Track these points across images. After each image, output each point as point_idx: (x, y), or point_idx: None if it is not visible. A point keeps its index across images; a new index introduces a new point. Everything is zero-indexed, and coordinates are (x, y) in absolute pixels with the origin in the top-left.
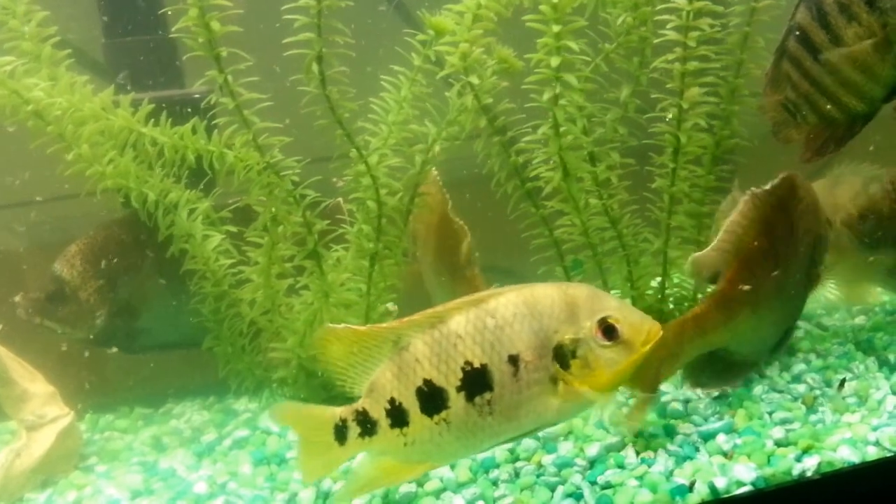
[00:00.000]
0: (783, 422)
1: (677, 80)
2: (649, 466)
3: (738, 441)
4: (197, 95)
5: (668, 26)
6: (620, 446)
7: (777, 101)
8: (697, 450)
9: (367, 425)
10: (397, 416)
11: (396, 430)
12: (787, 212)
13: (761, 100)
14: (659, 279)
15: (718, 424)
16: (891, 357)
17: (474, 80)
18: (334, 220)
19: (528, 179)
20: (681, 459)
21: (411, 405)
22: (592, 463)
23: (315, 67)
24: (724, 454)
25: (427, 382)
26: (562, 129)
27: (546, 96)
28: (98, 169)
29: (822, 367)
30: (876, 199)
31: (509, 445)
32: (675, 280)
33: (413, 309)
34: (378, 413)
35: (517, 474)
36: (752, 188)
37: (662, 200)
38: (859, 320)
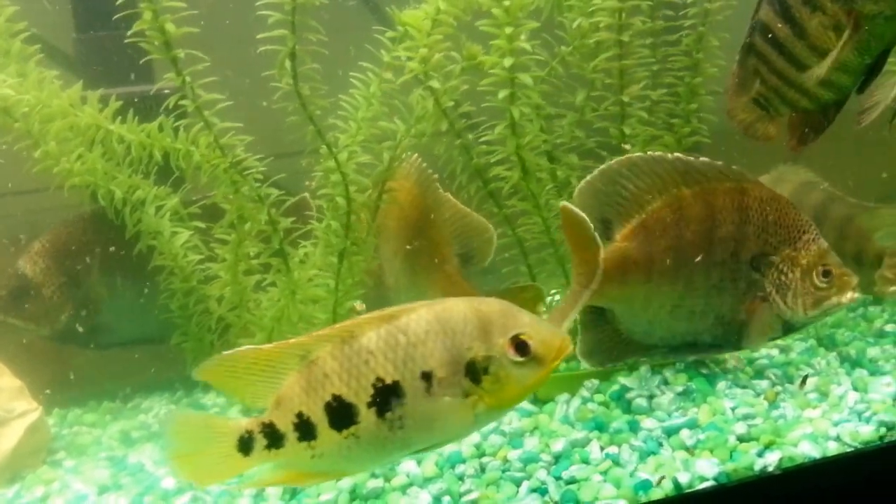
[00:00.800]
0: (745, 417)
1: (616, 77)
2: (614, 461)
3: (702, 436)
4: (167, 91)
5: (602, 25)
6: (585, 442)
7: (746, 101)
8: (661, 445)
9: (274, 438)
10: (305, 430)
11: (304, 444)
12: (708, 206)
13: (729, 103)
14: None
15: (682, 420)
16: (852, 352)
17: (434, 83)
18: (301, 217)
19: (489, 180)
20: (645, 454)
21: (319, 420)
22: (557, 458)
23: (288, 64)
24: (688, 449)
25: (336, 398)
26: (518, 129)
27: (501, 95)
28: (66, 166)
29: (784, 363)
30: None
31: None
32: None
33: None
34: (285, 426)
35: (483, 469)
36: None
37: None
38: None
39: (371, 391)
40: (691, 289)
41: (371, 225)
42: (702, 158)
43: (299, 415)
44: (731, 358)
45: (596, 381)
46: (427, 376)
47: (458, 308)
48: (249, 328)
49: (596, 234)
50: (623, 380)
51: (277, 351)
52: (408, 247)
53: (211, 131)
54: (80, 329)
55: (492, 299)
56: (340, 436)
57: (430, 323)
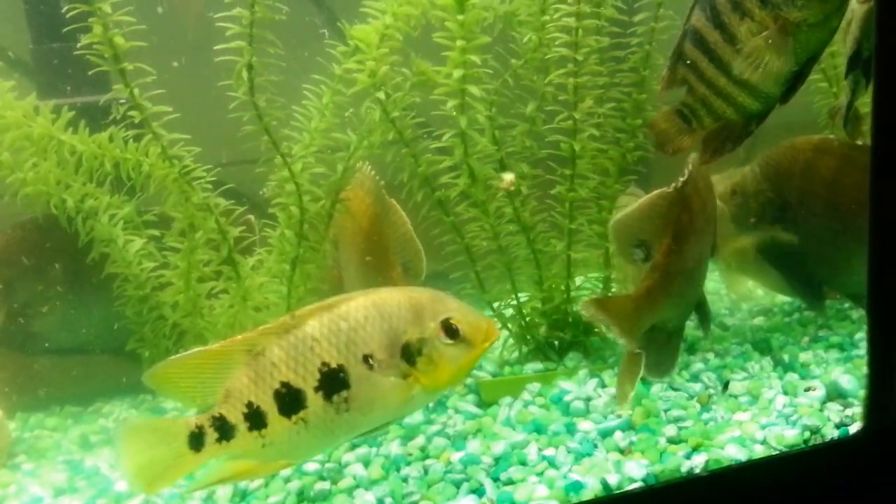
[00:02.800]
0: (677, 420)
1: (571, 94)
2: (550, 463)
3: (634, 438)
4: (122, 101)
5: (558, 42)
6: (524, 444)
7: (669, 111)
8: (596, 447)
9: (225, 430)
10: (255, 419)
11: (255, 433)
12: (698, 190)
13: (653, 114)
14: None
15: (616, 422)
16: (785, 357)
17: (381, 95)
18: (248, 230)
19: (437, 188)
20: (579, 456)
21: (269, 408)
22: (497, 460)
23: (245, 75)
24: (621, 451)
25: (285, 385)
26: (467, 137)
27: (450, 104)
28: (19, 176)
29: (719, 367)
30: (745, 177)
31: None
32: (578, 282)
33: None
34: (236, 417)
35: (426, 471)
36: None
37: (564, 206)
38: (758, 321)
39: (318, 376)
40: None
41: (325, 233)
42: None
43: (249, 405)
44: None
45: (538, 385)
46: (368, 359)
47: (393, 295)
48: (203, 334)
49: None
50: (563, 383)
51: (225, 349)
52: (359, 254)
53: (159, 142)
54: (15, 334)
55: (422, 288)
56: (290, 422)
57: (368, 309)
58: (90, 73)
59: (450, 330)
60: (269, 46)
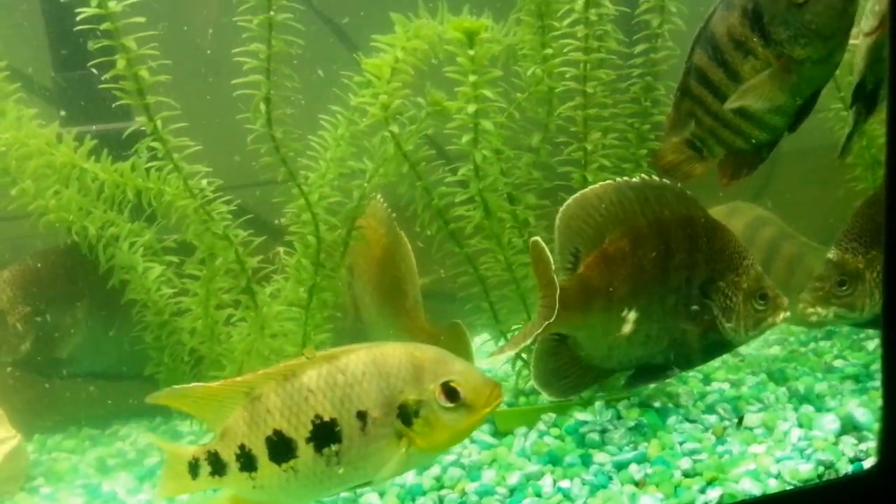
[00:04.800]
0: (692, 452)
1: (580, 126)
2: (564, 495)
3: (649, 471)
4: (143, 129)
5: (567, 76)
6: (539, 475)
7: (678, 142)
8: (611, 479)
9: (217, 466)
10: (247, 462)
11: (245, 474)
12: (662, 230)
13: (660, 144)
14: None
15: (632, 454)
16: (801, 388)
17: (394, 129)
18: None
19: (450, 220)
20: (595, 488)
21: (261, 452)
22: (512, 491)
23: (262, 107)
24: (636, 483)
25: (277, 433)
26: (480, 172)
27: (465, 139)
28: (41, 203)
29: (734, 397)
30: None
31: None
32: None
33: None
34: (228, 456)
35: (441, 501)
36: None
37: None
38: (774, 350)
39: (310, 427)
40: (648, 314)
41: (341, 261)
42: (659, 181)
43: (242, 447)
44: (683, 393)
45: (553, 415)
46: (362, 416)
47: (395, 352)
48: (220, 360)
49: (554, 274)
50: (578, 414)
51: (224, 388)
52: (373, 282)
53: (181, 174)
54: (41, 359)
55: (428, 346)
56: (280, 469)
57: (367, 365)
58: (114, 105)
59: (450, 393)
60: (286, 80)
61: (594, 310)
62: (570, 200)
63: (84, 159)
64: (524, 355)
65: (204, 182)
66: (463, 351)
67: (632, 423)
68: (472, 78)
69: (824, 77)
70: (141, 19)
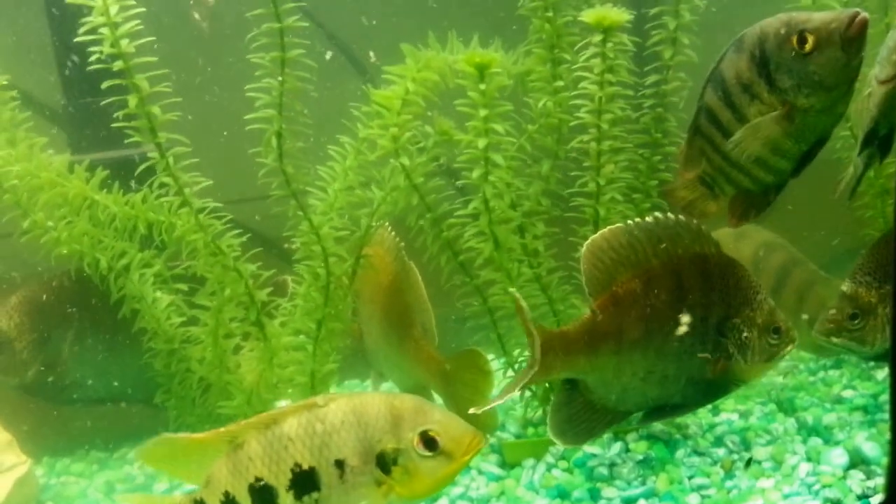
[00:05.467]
0: (700, 487)
1: (593, 159)
2: None
3: None
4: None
5: (583, 110)
6: None
7: (691, 178)
8: None
9: None
10: None
11: None
12: (675, 270)
13: (673, 181)
14: None
15: (640, 489)
16: (809, 419)
17: (405, 161)
18: (280, 292)
19: (460, 252)
20: None
21: (244, 499)
22: None
23: (274, 142)
24: None
25: (258, 480)
26: (491, 204)
27: (475, 174)
28: (53, 235)
29: (743, 429)
30: None
31: None
32: None
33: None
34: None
35: None
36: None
37: None
38: (783, 378)
39: (290, 475)
40: (663, 355)
41: (349, 289)
42: (673, 220)
43: (226, 494)
44: (692, 424)
45: (562, 447)
46: (341, 464)
47: (374, 402)
48: (229, 389)
49: (531, 325)
50: (587, 447)
51: (208, 438)
52: (380, 311)
53: (192, 209)
54: (47, 384)
55: (408, 395)
56: None
57: (347, 414)
58: (127, 142)
59: (428, 442)
60: (299, 115)
61: (603, 353)
62: (584, 247)
63: (95, 191)
64: (532, 386)
65: (212, 204)
66: (481, 379)
67: (640, 457)
68: (482, 112)
69: (828, 126)
70: (152, 59)
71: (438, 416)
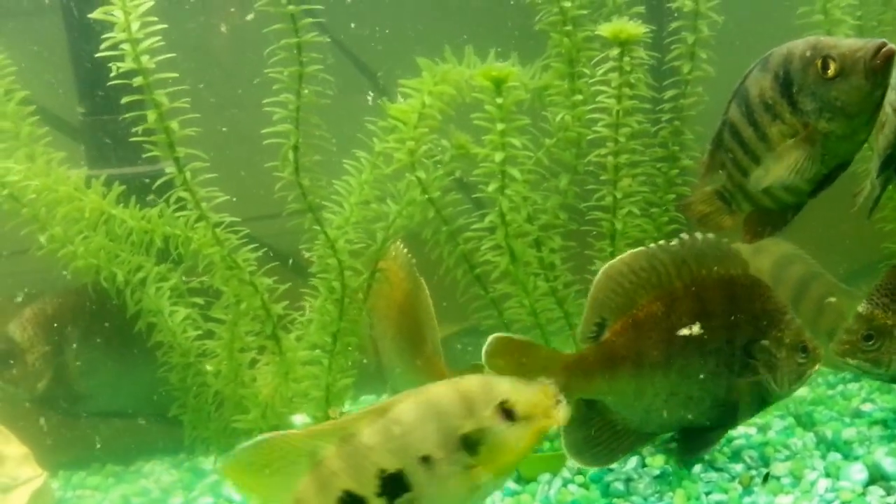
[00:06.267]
0: None
1: (611, 172)
2: None
3: None
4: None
5: (600, 124)
6: None
7: (709, 192)
8: None
9: None
10: None
11: None
12: (699, 292)
13: (691, 194)
14: None
15: None
16: (828, 433)
17: (421, 175)
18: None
19: (476, 265)
20: None
21: None
22: None
23: (291, 155)
24: None
25: (347, 493)
26: (507, 218)
27: (492, 187)
28: (70, 249)
29: (761, 443)
30: None
31: None
32: None
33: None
34: None
35: None
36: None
37: None
38: (801, 392)
39: (377, 482)
40: (686, 377)
41: (364, 303)
42: (700, 239)
43: None
44: None
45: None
46: (427, 459)
47: (441, 391)
48: (244, 403)
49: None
50: None
51: (287, 448)
52: (394, 327)
53: (209, 224)
54: (59, 397)
55: (469, 375)
56: None
57: (419, 410)
58: (144, 156)
59: (507, 413)
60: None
61: (621, 376)
62: (599, 272)
63: (112, 205)
64: None
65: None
66: None
67: (657, 472)
68: (499, 126)
69: (849, 152)
70: (174, 74)
71: (507, 386)
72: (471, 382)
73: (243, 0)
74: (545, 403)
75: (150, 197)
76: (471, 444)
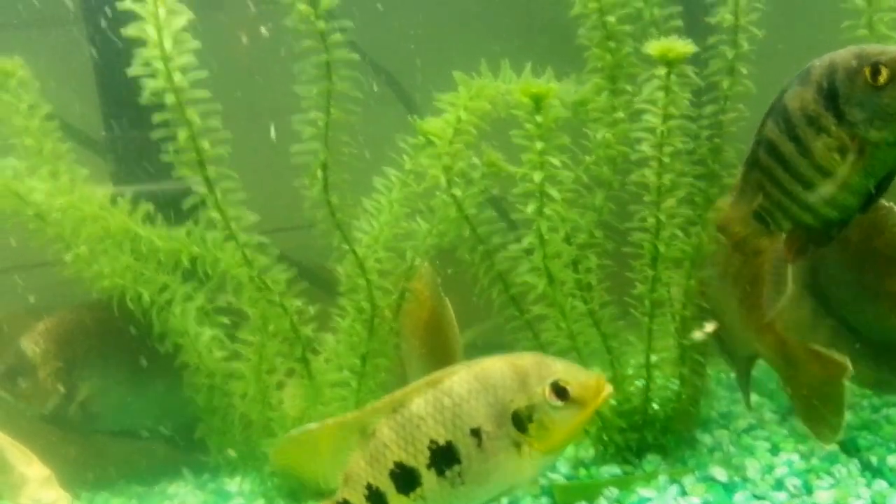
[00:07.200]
0: None
1: (653, 193)
2: None
3: None
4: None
5: (644, 144)
6: None
7: (745, 215)
8: None
9: None
10: (377, 500)
11: None
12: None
13: (728, 216)
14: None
15: None
16: (874, 460)
17: (457, 192)
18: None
19: (512, 285)
20: None
21: (388, 487)
22: None
23: (319, 174)
24: None
25: (398, 465)
26: (545, 238)
27: (530, 208)
28: (96, 269)
29: (804, 471)
30: None
31: None
32: (659, 382)
33: None
34: (358, 500)
35: None
36: None
37: (644, 305)
38: (846, 416)
39: (427, 454)
40: None
41: (394, 324)
42: None
43: (368, 486)
44: (749, 466)
45: (616, 490)
46: (476, 432)
47: (495, 365)
48: (271, 425)
49: None
50: (642, 490)
51: (338, 427)
52: (421, 347)
53: (238, 244)
54: (70, 414)
55: (524, 352)
56: (409, 499)
57: (472, 382)
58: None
59: (560, 391)
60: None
61: None
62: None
63: (138, 224)
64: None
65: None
66: None
67: (697, 501)
68: (538, 145)
69: None
70: (205, 93)
71: (561, 366)
72: (524, 359)
73: (270, 13)
74: (597, 386)
75: (176, 215)
76: (521, 420)
